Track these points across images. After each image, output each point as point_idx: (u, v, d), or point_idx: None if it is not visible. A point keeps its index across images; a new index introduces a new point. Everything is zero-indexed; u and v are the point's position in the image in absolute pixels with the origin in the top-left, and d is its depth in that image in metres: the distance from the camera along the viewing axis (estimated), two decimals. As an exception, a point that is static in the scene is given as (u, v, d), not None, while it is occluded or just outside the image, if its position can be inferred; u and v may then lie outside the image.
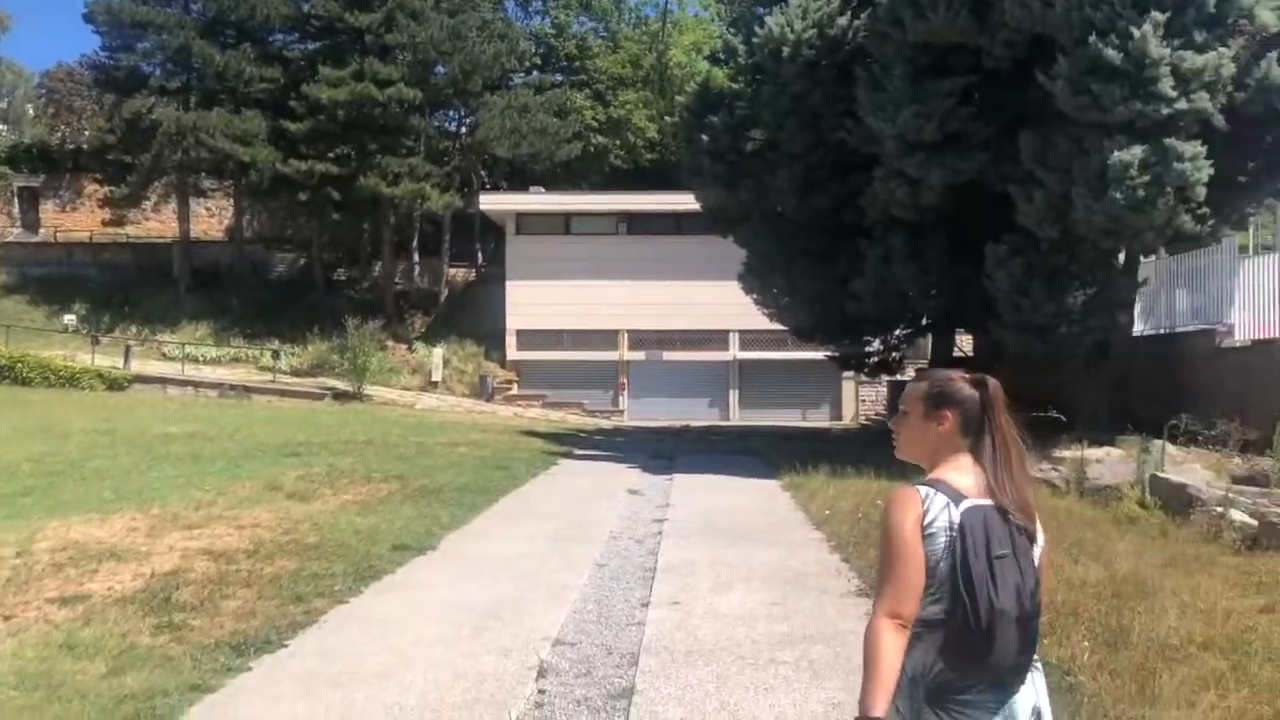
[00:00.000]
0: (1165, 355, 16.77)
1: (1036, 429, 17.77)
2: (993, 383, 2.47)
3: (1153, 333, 17.84)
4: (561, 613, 6.67)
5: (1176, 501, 9.66)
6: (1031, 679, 2.38)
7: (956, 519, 2.30)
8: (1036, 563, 2.39)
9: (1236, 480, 10.71)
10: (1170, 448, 12.59)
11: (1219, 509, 9.02)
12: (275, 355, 33.07)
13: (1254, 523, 8.64)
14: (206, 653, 5.59)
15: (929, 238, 17.43)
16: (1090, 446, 13.52)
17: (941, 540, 2.29)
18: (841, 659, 5.57)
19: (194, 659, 5.48)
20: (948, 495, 2.33)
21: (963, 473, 2.39)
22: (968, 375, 2.50)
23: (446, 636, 6.04)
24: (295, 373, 33.88)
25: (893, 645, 2.25)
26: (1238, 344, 14.79)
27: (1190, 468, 10.93)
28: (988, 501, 2.34)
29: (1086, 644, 5.40)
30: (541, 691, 5.19)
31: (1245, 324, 14.91)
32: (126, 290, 39.32)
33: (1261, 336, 14.44)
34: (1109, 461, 12.22)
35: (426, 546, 8.75)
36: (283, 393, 30.33)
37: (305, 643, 5.92)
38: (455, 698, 5.00)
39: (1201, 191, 12.58)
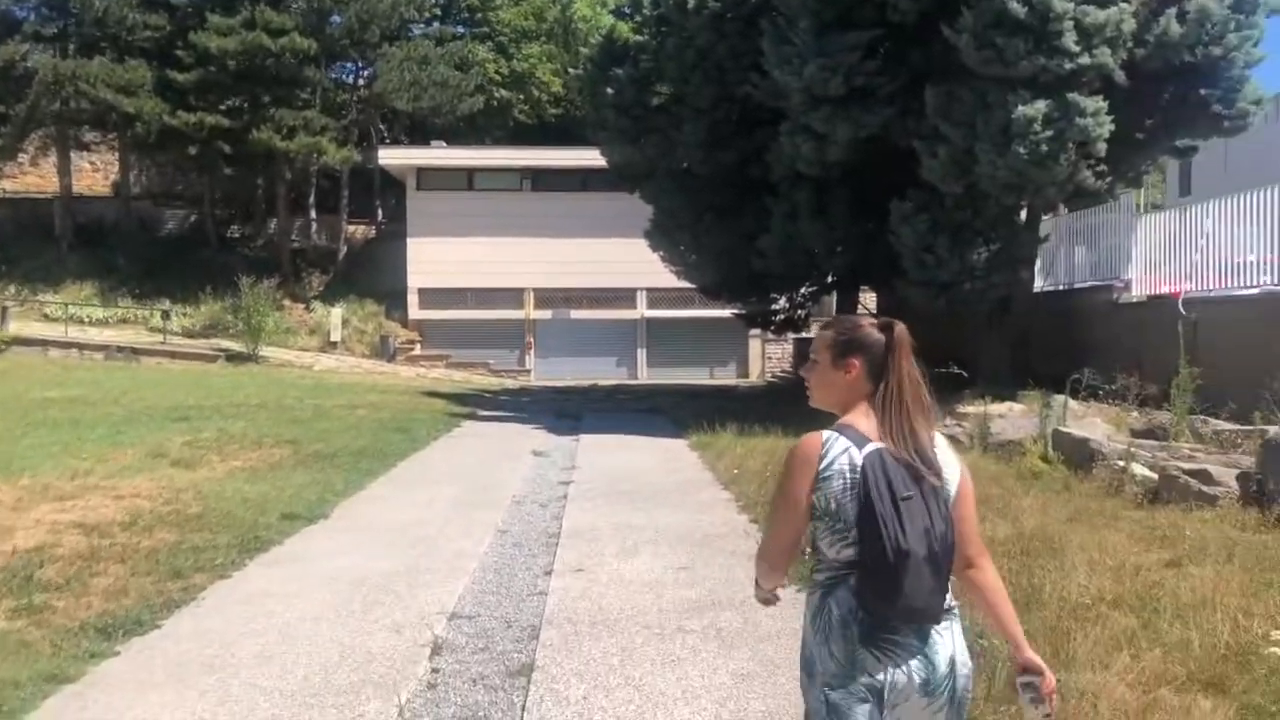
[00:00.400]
0: (1064, 311, 17.02)
1: (940, 385, 17.92)
2: (899, 327, 2.46)
3: (1052, 289, 18.10)
4: (459, 584, 6.35)
5: (1079, 456, 9.70)
6: (950, 629, 2.38)
7: (859, 461, 2.30)
8: (951, 504, 2.39)
9: (1136, 434, 10.83)
10: (1071, 403, 12.72)
11: (1120, 463, 9.07)
12: (165, 315, 31.75)
13: (1154, 476, 8.69)
14: (69, 637, 5.15)
15: (834, 194, 17.34)
16: (993, 402, 13.62)
17: (838, 483, 2.29)
18: (750, 625, 5.38)
19: (54, 645, 5.04)
20: (851, 439, 2.34)
21: (868, 417, 2.39)
22: (876, 320, 2.50)
23: (335, 612, 5.68)
24: (188, 334, 32.66)
25: (766, 581, 2.46)
26: (1134, 299, 15.03)
27: (1091, 422, 11.02)
28: (890, 445, 2.35)
29: (999, 605, 5.27)
30: (435, 670, 4.87)
31: (1141, 280, 15.15)
32: (4, 248, 37.35)
33: (1157, 292, 14.69)
34: (1011, 417, 12.30)
35: (318, 514, 8.34)
36: (173, 354, 29.21)
37: (180, 623, 5.51)
38: (341, 680, 4.66)
39: (1103, 147, 12.65)
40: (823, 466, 2.31)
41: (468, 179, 35.32)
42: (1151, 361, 13.55)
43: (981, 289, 14.64)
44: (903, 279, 15.80)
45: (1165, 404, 11.97)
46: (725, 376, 33.53)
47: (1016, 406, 13.18)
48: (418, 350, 34.11)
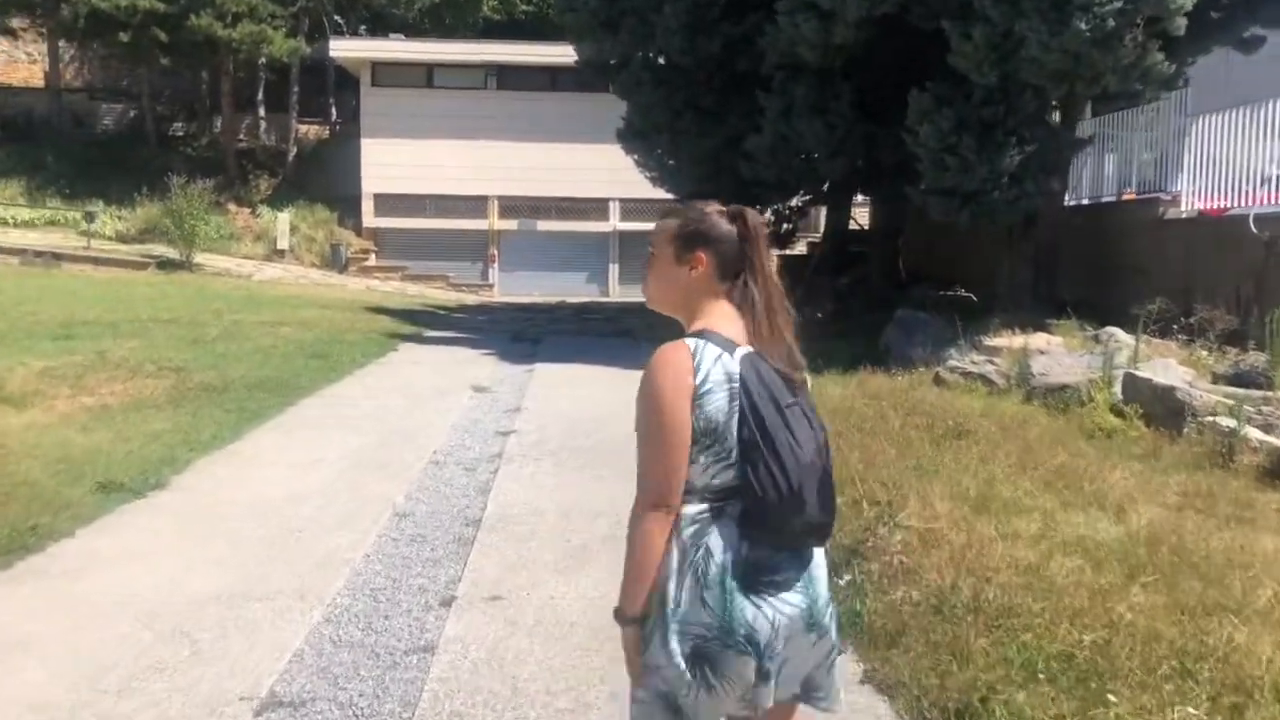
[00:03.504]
0: (1095, 228, 14.81)
1: (946, 310, 15.80)
2: (752, 215, 2.21)
3: (1075, 203, 15.84)
4: (300, 630, 4.12)
5: (1162, 410, 7.57)
6: (818, 559, 2.17)
7: (735, 369, 2.07)
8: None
9: (1218, 379, 8.73)
10: (1120, 334, 10.62)
11: (1226, 422, 6.94)
12: (89, 217, 28.95)
13: (1277, 443, 6.59)
14: None
15: (836, 87, 14.93)
16: (1022, 333, 11.49)
17: (720, 395, 2.05)
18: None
19: None
20: (719, 345, 2.10)
21: (729, 320, 2.15)
22: (724, 208, 2.23)
23: (88, 686, 3.48)
24: (121, 239, 29.92)
25: (658, 536, 2.05)
26: (1184, 215, 12.86)
27: (1163, 364, 8.86)
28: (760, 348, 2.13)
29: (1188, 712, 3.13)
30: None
31: (1193, 193, 12.96)
32: (-81, 142, 34.33)
33: (1209, 207, 12.53)
34: (1054, 353, 10.13)
35: (151, 484, 6.10)
36: (98, 261, 26.54)
37: None
38: None
39: (1182, 24, 10.32)
40: (698, 381, 2.04)
41: (427, 75, 32.37)
42: (1204, 288, 11.46)
43: (1012, 199, 12.36)
44: (915, 187, 13.54)
45: (1243, 342, 9.89)
46: (702, 295, 31.25)
47: (1054, 340, 11.01)
48: (372, 261, 31.56)
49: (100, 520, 5.33)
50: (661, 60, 18.18)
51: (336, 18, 37.16)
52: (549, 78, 30.93)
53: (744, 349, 2.10)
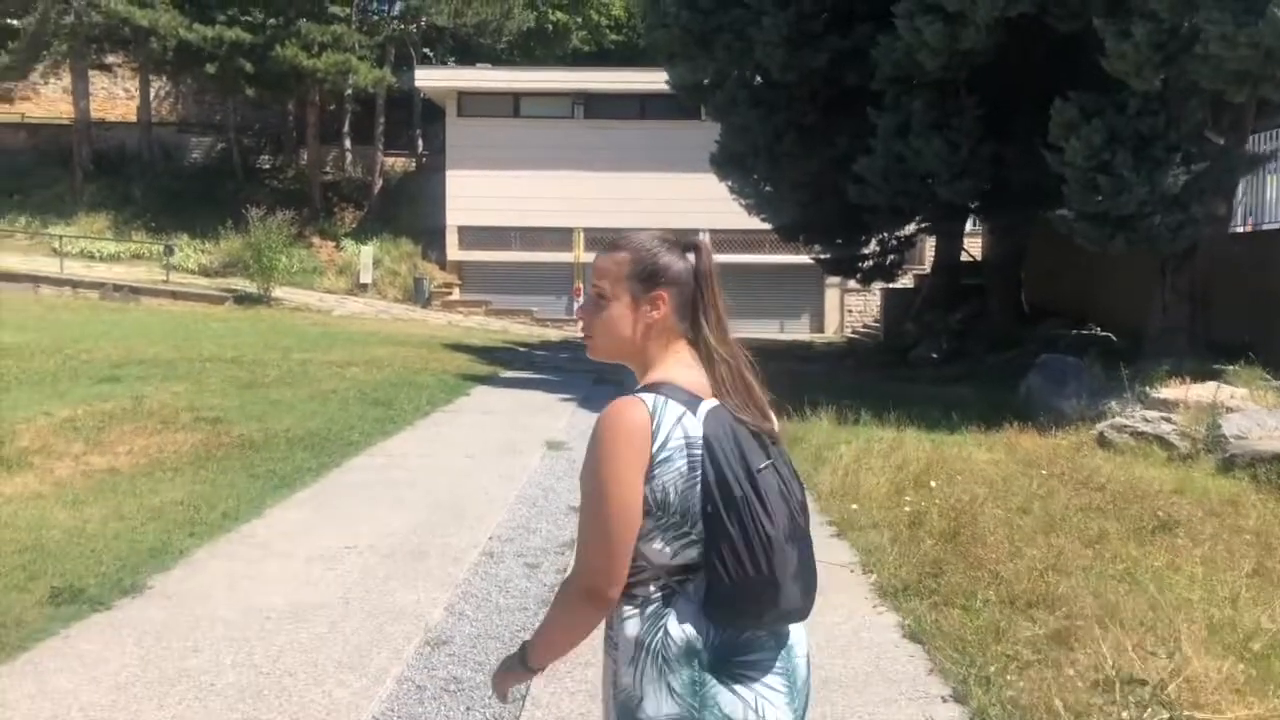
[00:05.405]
0: (1257, 260, 12.89)
1: (1082, 351, 13.92)
2: (704, 244, 1.95)
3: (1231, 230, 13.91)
4: None
5: None
6: (798, 633, 1.88)
7: (698, 431, 1.76)
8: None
9: None
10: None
11: None
12: (168, 251, 28.49)
13: None
14: None
15: (959, 101, 13.37)
16: (1193, 381, 9.71)
17: (680, 462, 1.74)
18: None
19: None
20: (681, 401, 1.79)
21: (687, 367, 1.86)
22: (669, 236, 1.93)
23: None
24: (204, 272, 29.48)
25: (587, 631, 1.82)
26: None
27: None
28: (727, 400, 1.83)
29: None
30: None
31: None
32: (20, 177, 34.45)
33: None
34: (1250, 410, 8.34)
35: (123, 588, 4.73)
36: (177, 295, 25.98)
37: None
38: None
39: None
40: (655, 447, 1.74)
41: (514, 105, 31.45)
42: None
43: (1176, 225, 10.62)
44: (1053, 210, 11.85)
45: None
46: (797, 331, 29.66)
47: (1237, 391, 9.21)
48: (455, 295, 30.60)
49: (31, 651, 3.96)
50: (759, 79, 16.80)
51: (425, 50, 36.60)
52: (638, 105, 29.92)
53: (709, 402, 1.81)
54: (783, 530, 1.76)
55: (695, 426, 1.76)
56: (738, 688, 1.76)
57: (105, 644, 4.07)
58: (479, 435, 9.55)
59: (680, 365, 1.85)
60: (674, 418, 1.75)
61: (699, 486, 1.74)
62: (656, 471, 1.73)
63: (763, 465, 1.78)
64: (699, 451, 1.75)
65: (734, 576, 1.72)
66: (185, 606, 4.55)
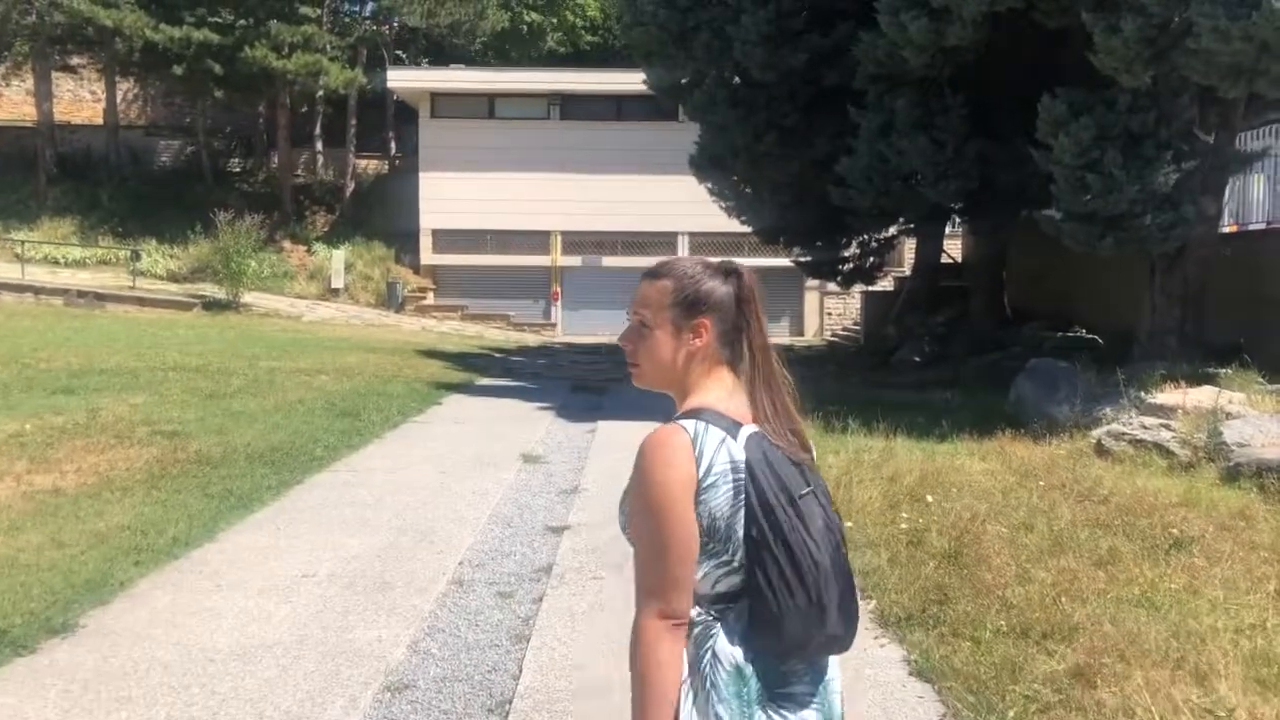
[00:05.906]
0: (1247, 260, 12.66)
1: (1069, 355, 13.67)
2: (747, 271, 1.92)
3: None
4: None
5: None
6: (833, 670, 1.85)
7: (740, 456, 1.76)
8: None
9: None
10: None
11: None
12: (134, 256, 27.90)
13: None
14: None
15: (944, 100, 13.06)
16: (1188, 385, 9.43)
17: (725, 489, 1.73)
18: None
19: None
20: (723, 428, 1.78)
21: (727, 394, 1.84)
22: (712, 262, 1.93)
23: None
24: (173, 278, 28.89)
25: (673, 655, 1.71)
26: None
27: None
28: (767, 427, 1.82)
29: None
30: None
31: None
32: (-18, 181, 33.73)
33: None
34: (1250, 416, 8.05)
35: (52, 627, 4.29)
36: (144, 301, 25.40)
37: None
38: None
39: None
40: (701, 473, 1.73)
41: (488, 106, 31.01)
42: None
43: (1167, 224, 10.33)
44: (1041, 210, 11.58)
45: None
46: (777, 334, 29.28)
47: (1235, 396, 8.92)
48: (430, 300, 30.11)
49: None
50: (738, 79, 16.45)
51: (398, 51, 36.10)
52: (614, 106, 29.57)
53: (749, 428, 1.80)
54: (829, 557, 1.75)
55: (738, 451, 1.76)
56: (778, 717, 1.75)
57: (24, 696, 3.65)
58: (451, 448, 9.14)
59: (720, 390, 1.85)
60: (716, 443, 1.75)
61: (743, 511, 1.74)
62: (704, 497, 1.73)
63: (804, 492, 1.78)
64: (742, 476, 1.75)
65: (780, 602, 1.72)
66: (120, 648, 4.13)
